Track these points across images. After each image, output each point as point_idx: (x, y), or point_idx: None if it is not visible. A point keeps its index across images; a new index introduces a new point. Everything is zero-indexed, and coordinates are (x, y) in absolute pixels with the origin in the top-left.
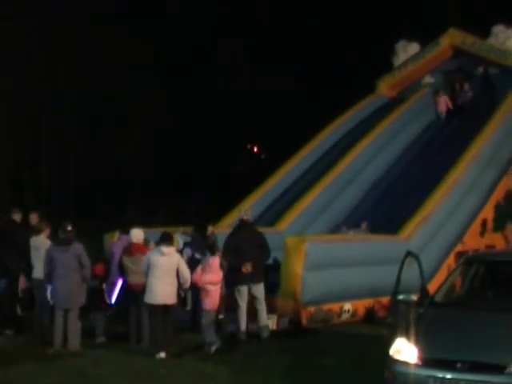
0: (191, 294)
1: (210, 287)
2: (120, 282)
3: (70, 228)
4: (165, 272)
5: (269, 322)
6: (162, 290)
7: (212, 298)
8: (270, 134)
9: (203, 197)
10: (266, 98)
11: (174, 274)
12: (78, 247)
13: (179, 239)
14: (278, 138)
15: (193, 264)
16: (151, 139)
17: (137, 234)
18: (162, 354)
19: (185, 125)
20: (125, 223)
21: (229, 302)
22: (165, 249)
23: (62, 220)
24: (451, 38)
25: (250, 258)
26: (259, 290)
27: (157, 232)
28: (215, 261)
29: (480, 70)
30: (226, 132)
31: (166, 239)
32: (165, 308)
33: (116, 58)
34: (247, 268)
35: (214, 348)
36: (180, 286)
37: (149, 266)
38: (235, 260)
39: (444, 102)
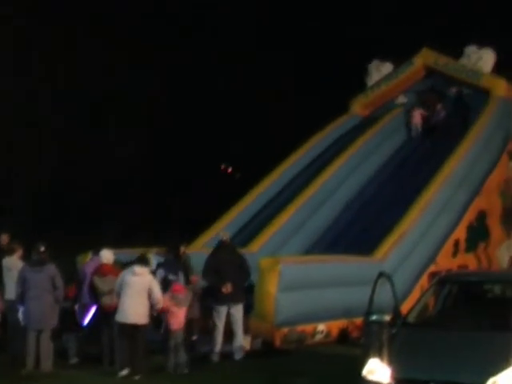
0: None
1: (175, 308)
2: (93, 306)
3: (43, 249)
4: (136, 292)
5: (243, 342)
6: (133, 310)
7: (177, 318)
8: (244, 154)
9: (176, 217)
10: (240, 118)
11: (146, 295)
12: (51, 268)
13: (153, 260)
14: (251, 159)
15: (166, 285)
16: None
17: (106, 255)
18: (124, 372)
19: (159, 146)
20: (98, 244)
21: (203, 323)
22: (137, 269)
23: (36, 240)
24: (424, 58)
25: (230, 279)
26: (238, 310)
27: (130, 253)
28: (179, 288)
29: (454, 90)
30: (199, 152)
31: (141, 260)
32: (135, 328)
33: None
34: (227, 288)
35: (183, 369)
36: (152, 306)
37: (121, 286)
38: (215, 280)
39: (419, 115)
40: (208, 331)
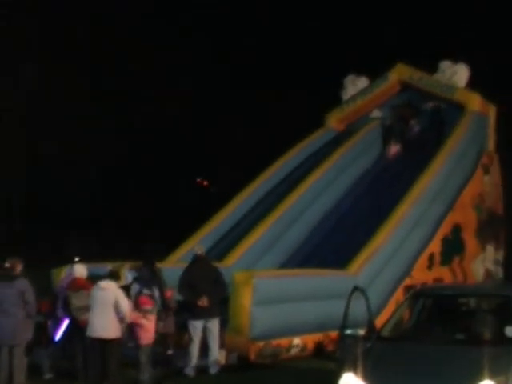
0: None
1: (144, 321)
2: (66, 320)
3: (8, 265)
4: (103, 306)
5: (218, 357)
6: (101, 324)
7: (146, 332)
8: (220, 167)
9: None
10: (216, 132)
11: (113, 309)
12: (22, 283)
13: (127, 274)
14: (227, 172)
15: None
16: (100, 174)
17: (79, 269)
18: None
19: (135, 159)
20: (72, 257)
21: (178, 338)
22: (103, 283)
23: (9, 254)
24: (399, 73)
25: (206, 293)
26: (214, 324)
27: (105, 267)
28: (145, 300)
29: (431, 104)
30: (175, 166)
31: (110, 275)
32: (105, 342)
33: None
34: (203, 302)
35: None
36: (121, 320)
37: (91, 301)
38: (190, 295)
39: (395, 150)
40: (184, 346)
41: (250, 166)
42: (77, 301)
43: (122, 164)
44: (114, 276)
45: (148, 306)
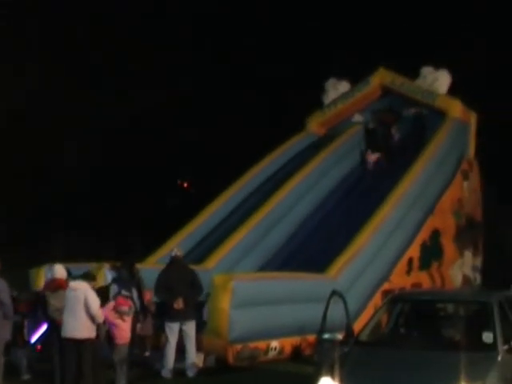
0: None
1: (119, 321)
2: (44, 322)
3: None
4: (73, 306)
5: (196, 359)
6: (72, 324)
7: (122, 332)
8: (200, 169)
9: (129, 232)
10: (197, 133)
11: (84, 308)
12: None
13: (107, 274)
14: (208, 174)
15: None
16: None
17: (59, 270)
18: None
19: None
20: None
21: (156, 340)
22: (73, 283)
23: None
24: (381, 78)
25: (182, 295)
26: (190, 327)
27: (80, 267)
28: (122, 301)
29: (413, 110)
30: (156, 167)
31: (82, 275)
32: (79, 342)
33: None
34: (179, 304)
35: None
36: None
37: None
38: (167, 297)
39: (375, 159)
40: (161, 348)
41: (230, 169)
42: (55, 301)
43: (104, 164)
44: (87, 277)
45: (125, 307)
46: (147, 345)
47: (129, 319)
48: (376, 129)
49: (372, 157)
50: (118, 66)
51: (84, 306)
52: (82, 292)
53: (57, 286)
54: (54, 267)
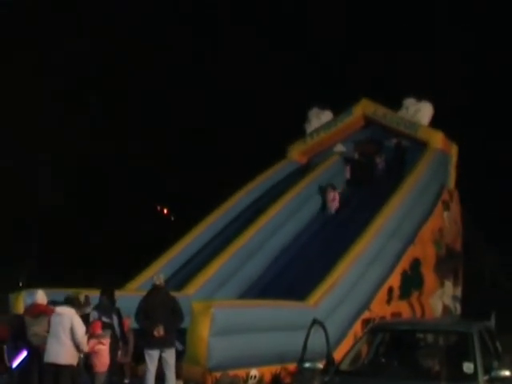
0: None
1: (100, 347)
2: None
3: None
4: (58, 332)
5: None
6: (54, 350)
7: (101, 358)
8: (180, 196)
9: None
10: (176, 161)
11: (69, 335)
12: None
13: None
14: (187, 201)
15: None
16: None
17: (40, 296)
18: None
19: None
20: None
21: (135, 367)
22: (59, 309)
23: None
24: (363, 108)
25: (162, 323)
26: (170, 355)
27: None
28: (97, 324)
29: (394, 141)
30: (135, 193)
31: (66, 301)
32: (59, 367)
33: None
34: (159, 331)
35: None
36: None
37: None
38: (147, 324)
39: (336, 196)
40: (140, 375)
41: (210, 196)
42: (36, 327)
43: (82, 190)
44: (71, 301)
45: (99, 331)
46: (126, 372)
47: (107, 343)
48: (361, 160)
49: (331, 194)
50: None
51: (69, 332)
52: (68, 318)
53: (39, 311)
54: (35, 292)
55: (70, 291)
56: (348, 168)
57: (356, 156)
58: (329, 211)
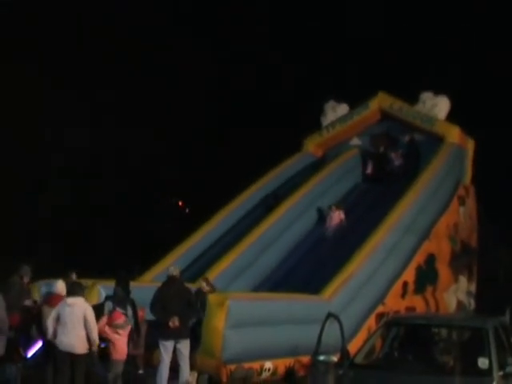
0: None
1: (115, 336)
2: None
3: None
4: (69, 321)
5: (189, 378)
6: (67, 340)
7: (119, 348)
8: (195, 188)
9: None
10: (191, 153)
11: (81, 324)
12: None
13: (101, 292)
14: (202, 194)
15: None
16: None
17: (60, 286)
18: None
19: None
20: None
21: (150, 357)
22: (69, 300)
23: None
24: (380, 102)
25: (177, 314)
26: (185, 346)
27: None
28: (117, 315)
29: (407, 138)
30: (150, 186)
31: (71, 291)
32: (73, 357)
33: None
34: (174, 322)
35: None
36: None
37: (57, 317)
38: (162, 315)
39: (338, 217)
40: (154, 365)
41: (226, 188)
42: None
43: (98, 182)
44: (74, 291)
45: (119, 321)
46: (139, 363)
47: (124, 334)
48: (383, 154)
49: (335, 214)
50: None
51: (82, 322)
52: (81, 308)
53: (56, 301)
54: (54, 283)
55: (84, 282)
56: (370, 162)
57: (382, 149)
58: (327, 231)
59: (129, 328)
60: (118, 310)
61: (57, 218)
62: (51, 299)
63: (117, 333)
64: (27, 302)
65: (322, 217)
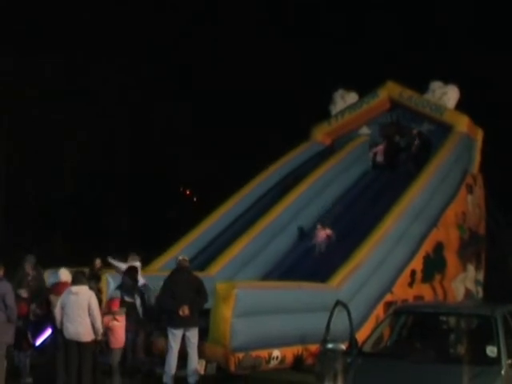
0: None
1: (114, 323)
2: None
3: None
4: (74, 311)
5: (197, 366)
6: (74, 328)
7: (117, 336)
8: (203, 176)
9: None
10: (200, 140)
11: (86, 312)
12: (4, 286)
13: (110, 281)
14: (210, 182)
15: (124, 307)
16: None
17: (65, 273)
18: None
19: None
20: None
21: (160, 345)
22: (74, 288)
23: None
24: (389, 91)
25: (187, 302)
26: (194, 334)
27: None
28: (115, 302)
29: (414, 132)
30: (158, 174)
31: (76, 279)
32: (80, 345)
33: None
34: (184, 310)
35: None
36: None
37: (62, 306)
38: (171, 303)
39: (324, 235)
40: (160, 354)
41: (235, 177)
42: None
43: (105, 171)
44: (78, 280)
45: (115, 308)
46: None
47: (122, 320)
48: (397, 142)
49: (322, 233)
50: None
51: (87, 311)
52: (86, 296)
53: (62, 289)
54: (58, 271)
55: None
56: (381, 150)
57: (397, 138)
58: (317, 250)
59: (124, 313)
60: (127, 299)
61: (66, 208)
62: (57, 288)
63: (115, 319)
64: (22, 293)
65: (304, 233)
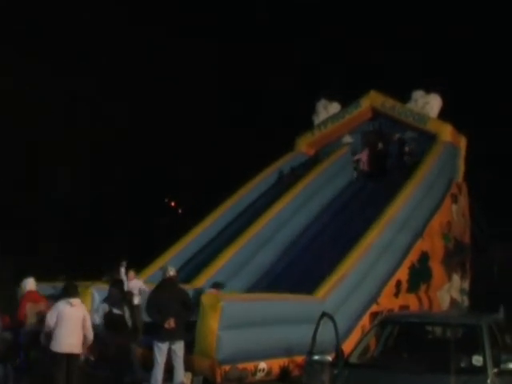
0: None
1: None
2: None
3: None
4: (72, 322)
5: (184, 379)
6: (69, 340)
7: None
8: (188, 188)
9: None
10: (184, 152)
11: (80, 325)
12: None
13: (95, 294)
14: (195, 193)
15: (112, 319)
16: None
17: (31, 282)
18: None
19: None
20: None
21: (145, 359)
22: (73, 300)
23: None
24: (372, 100)
25: (173, 315)
26: (179, 347)
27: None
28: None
29: (397, 136)
30: (144, 186)
31: (71, 291)
32: (70, 357)
33: None
34: (170, 323)
35: None
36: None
37: (57, 317)
38: (158, 317)
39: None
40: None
41: (219, 188)
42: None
43: (90, 184)
44: (76, 291)
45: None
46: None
47: None
48: (381, 150)
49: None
50: None
51: (81, 322)
52: (81, 309)
53: (37, 298)
54: (26, 281)
55: (81, 283)
56: (366, 158)
57: (380, 146)
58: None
59: None
60: (116, 312)
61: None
62: (30, 296)
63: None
64: None
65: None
